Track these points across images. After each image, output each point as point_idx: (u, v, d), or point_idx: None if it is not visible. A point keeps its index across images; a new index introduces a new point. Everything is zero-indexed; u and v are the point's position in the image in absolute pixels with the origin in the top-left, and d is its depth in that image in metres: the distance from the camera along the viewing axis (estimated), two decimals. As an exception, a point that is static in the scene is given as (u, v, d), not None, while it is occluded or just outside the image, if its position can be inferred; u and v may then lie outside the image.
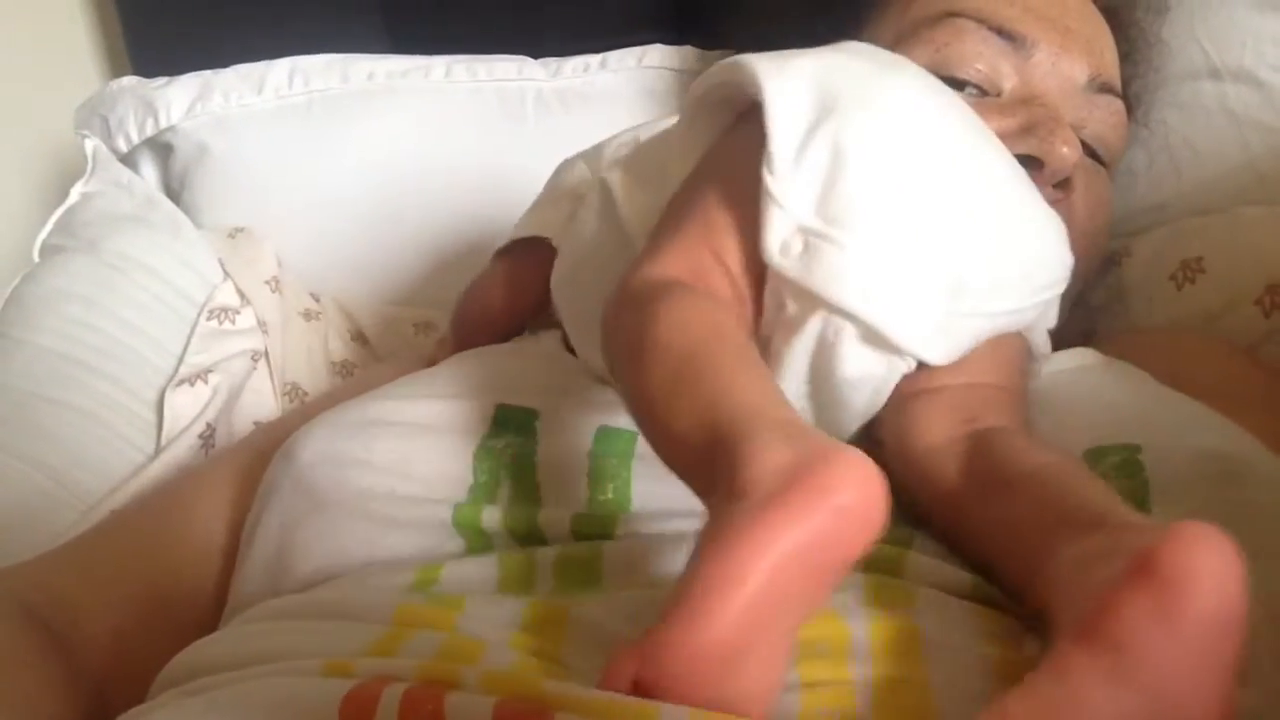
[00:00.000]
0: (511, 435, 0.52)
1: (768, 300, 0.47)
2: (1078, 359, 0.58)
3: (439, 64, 1.03)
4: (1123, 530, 0.35)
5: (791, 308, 0.46)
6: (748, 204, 0.46)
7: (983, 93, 0.67)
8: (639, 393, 0.41)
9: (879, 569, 0.43)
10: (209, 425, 0.78)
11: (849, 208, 0.44)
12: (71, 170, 0.99)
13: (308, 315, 0.94)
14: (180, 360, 0.82)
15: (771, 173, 0.45)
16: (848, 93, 0.46)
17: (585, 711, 0.34)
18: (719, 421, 0.36)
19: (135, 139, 1.02)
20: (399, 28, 1.08)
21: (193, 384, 0.80)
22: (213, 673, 0.42)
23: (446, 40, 1.05)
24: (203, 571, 0.57)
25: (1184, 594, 0.27)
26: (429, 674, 0.37)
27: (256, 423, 0.82)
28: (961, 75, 0.66)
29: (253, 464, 0.58)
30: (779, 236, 0.44)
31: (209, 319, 0.86)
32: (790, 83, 0.46)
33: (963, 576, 0.43)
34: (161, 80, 1.03)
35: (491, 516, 0.50)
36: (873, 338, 0.45)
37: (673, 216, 0.50)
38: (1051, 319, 0.54)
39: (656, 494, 0.50)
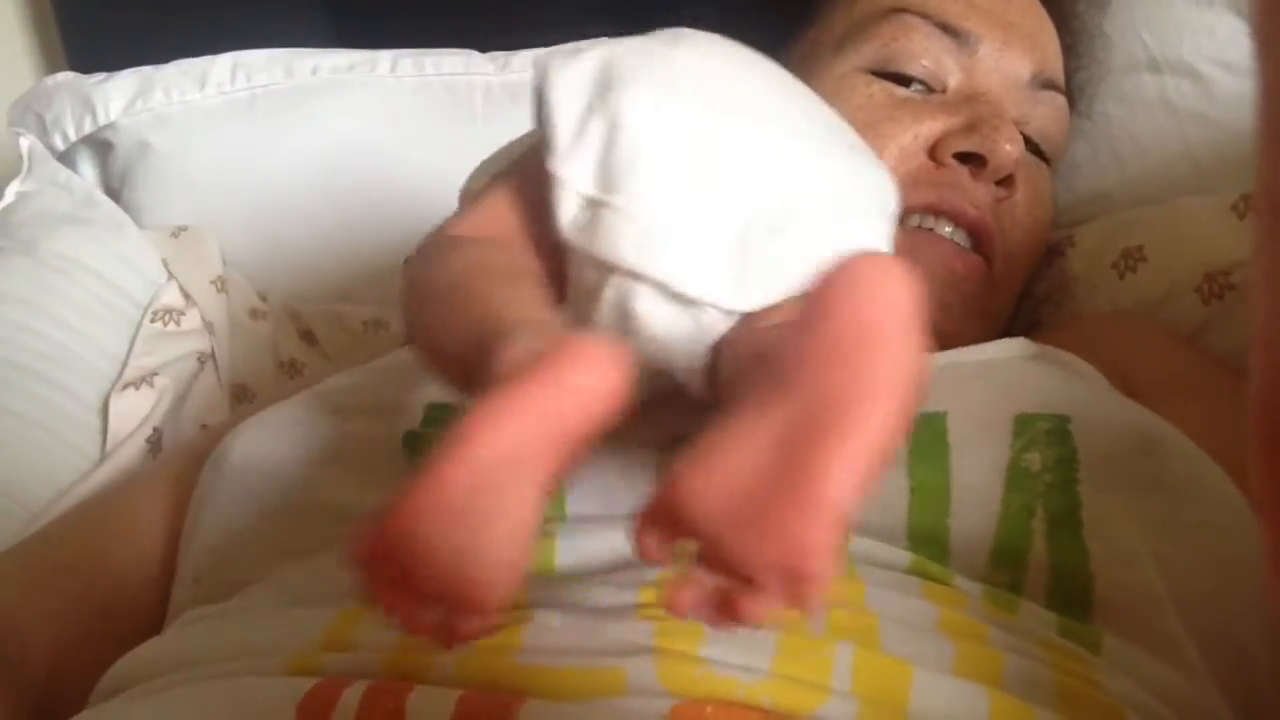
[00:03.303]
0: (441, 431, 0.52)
1: (572, 277, 0.47)
2: (1011, 349, 0.59)
3: (385, 58, 1.02)
4: None
5: (588, 277, 0.46)
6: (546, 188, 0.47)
7: (929, 89, 0.67)
8: (422, 334, 0.44)
9: None
10: (156, 429, 0.77)
11: (622, 171, 0.45)
12: (6, 169, 0.96)
13: (254, 315, 0.93)
14: (125, 363, 0.81)
15: (553, 155, 0.46)
16: (626, 68, 0.47)
17: (555, 689, 0.35)
18: (484, 334, 0.38)
19: (73, 136, 0.99)
20: (343, 21, 1.07)
21: (138, 387, 0.79)
22: (154, 676, 0.41)
23: (391, 34, 1.04)
24: (144, 578, 0.56)
25: (824, 301, 0.28)
26: (397, 667, 0.37)
27: (204, 426, 0.80)
28: (909, 71, 0.67)
29: (193, 468, 0.57)
30: (569, 212, 0.45)
31: (153, 320, 0.85)
32: (572, 71, 0.48)
33: (901, 555, 0.44)
34: (99, 76, 1.01)
35: None
36: (665, 292, 0.45)
37: (482, 192, 0.53)
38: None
39: (597, 487, 0.50)
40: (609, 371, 0.33)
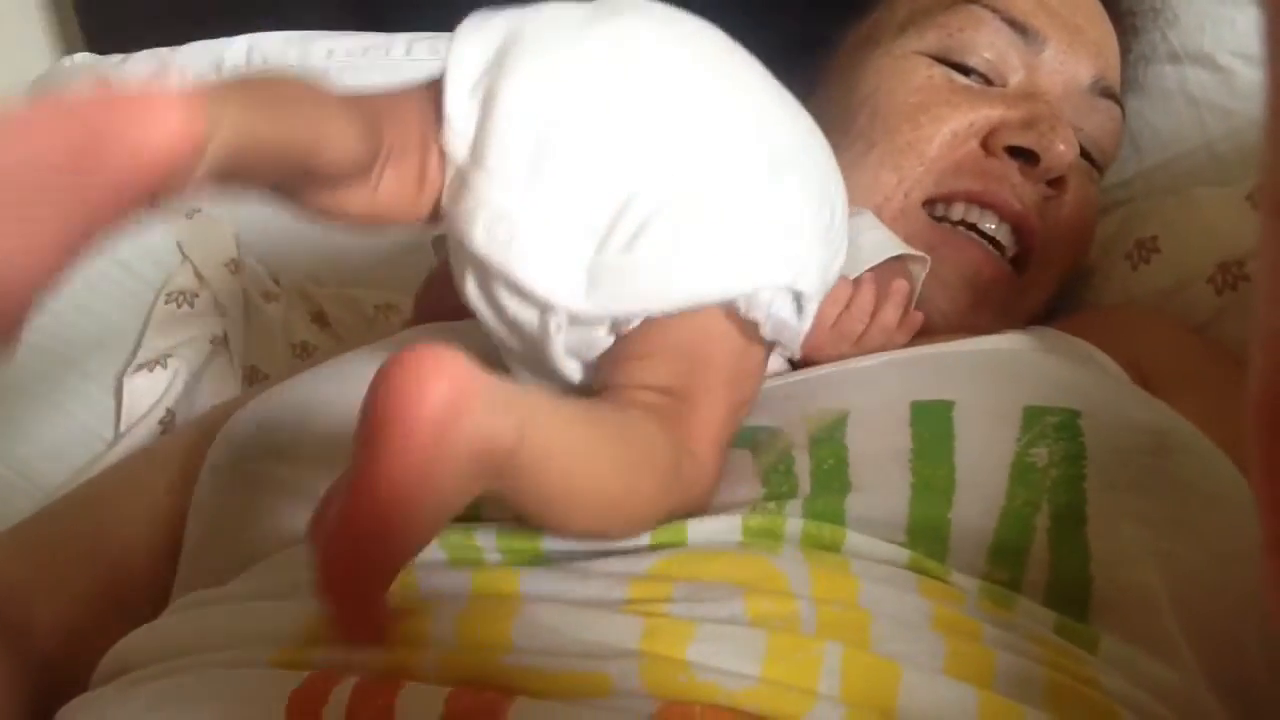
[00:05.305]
0: None
1: (450, 243, 0.46)
2: (1024, 340, 0.59)
3: (400, 41, 1.02)
4: None
5: (455, 249, 0.45)
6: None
7: (987, 82, 0.67)
8: None
9: (817, 544, 0.44)
10: (169, 410, 0.77)
11: (488, 151, 0.43)
12: (24, 150, 0.97)
13: (267, 297, 0.93)
14: (138, 345, 0.81)
15: (442, 122, 0.44)
16: (525, 42, 0.44)
17: (543, 689, 0.35)
18: None
19: (89, 118, 1.00)
20: (359, 4, 1.07)
21: (151, 369, 0.79)
22: (149, 664, 0.42)
23: (407, 17, 1.04)
24: (152, 553, 0.57)
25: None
26: (385, 662, 0.37)
27: (216, 407, 0.81)
28: (970, 62, 0.67)
29: (201, 444, 0.58)
30: (447, 177, 0.44)
31: (167, 302, 0.85)
32: (476, 38, 0.46)
33: (899, 552, 0.43)
34: (116, 58, 1.02)
35: None
36: (510, 283, 0.43)
37: None
38: (777, 308, 0.46)
39: None
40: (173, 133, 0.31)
